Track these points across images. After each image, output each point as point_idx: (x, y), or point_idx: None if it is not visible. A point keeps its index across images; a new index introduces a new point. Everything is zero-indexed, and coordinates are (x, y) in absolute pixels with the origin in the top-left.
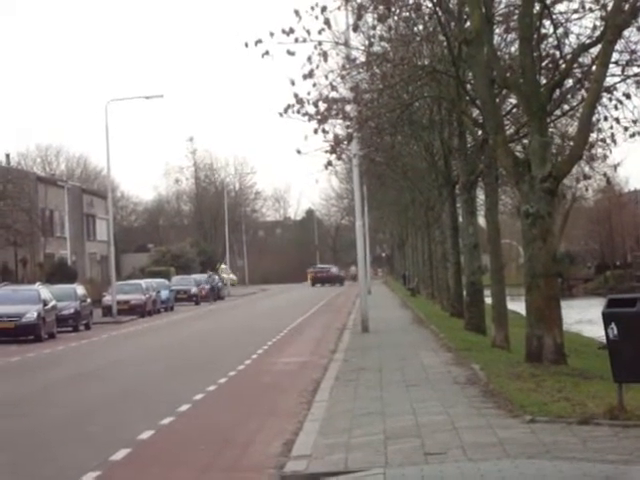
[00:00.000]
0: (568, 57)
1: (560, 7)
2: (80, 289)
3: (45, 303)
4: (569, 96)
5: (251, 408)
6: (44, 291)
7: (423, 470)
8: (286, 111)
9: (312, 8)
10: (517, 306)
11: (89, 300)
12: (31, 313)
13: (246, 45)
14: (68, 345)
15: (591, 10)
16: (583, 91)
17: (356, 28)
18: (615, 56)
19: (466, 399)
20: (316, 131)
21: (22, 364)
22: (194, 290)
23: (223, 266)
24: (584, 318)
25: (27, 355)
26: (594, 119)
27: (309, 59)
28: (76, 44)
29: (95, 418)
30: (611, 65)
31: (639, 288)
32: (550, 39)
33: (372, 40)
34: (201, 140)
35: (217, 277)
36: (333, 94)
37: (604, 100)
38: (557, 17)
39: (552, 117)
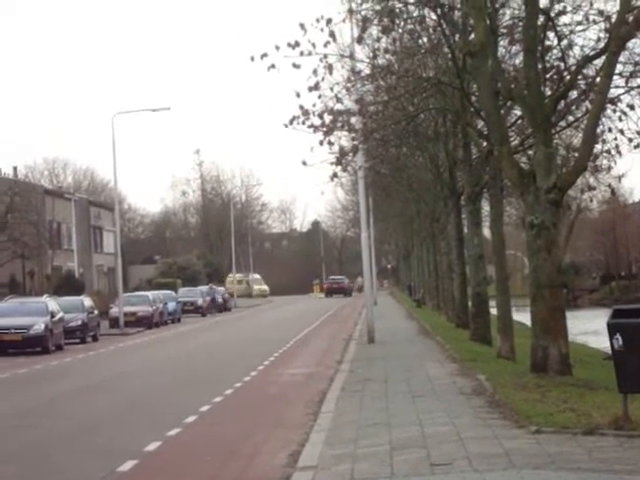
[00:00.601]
0: (572, 69)
1: (564, 19)
2: (87, 301)
3: (52, 315)
4: (573, 107)
5: (257, 419)
6: (51, 303)
7: None
8: (291, 122)
9: (317, 21)
10: (522, 317)
11: (96, 312)
12: (39, 325)
13: (252, 59)
14: (75, 357)
15: (595, 22)
16: (587, 102)
17: (361, 40)
18: (619, 67)
19: (472, 410)
20: (321, 143)
21: (30, 376)
22: (200, 302)
23: (256, 276)
24: (589, 329)
25: (35, 367)
26: (598, 130)
27: (314, 72)
28: (83, 57)
29: (102, 429)
30: (615, 76)
31: None
32: (554, 51)
33: (377, 52)
34: (207, 152)
35: (222, 289)
36: (338, 106)
37: (608, 111)
38: (561, 29)
39: (557, 128)
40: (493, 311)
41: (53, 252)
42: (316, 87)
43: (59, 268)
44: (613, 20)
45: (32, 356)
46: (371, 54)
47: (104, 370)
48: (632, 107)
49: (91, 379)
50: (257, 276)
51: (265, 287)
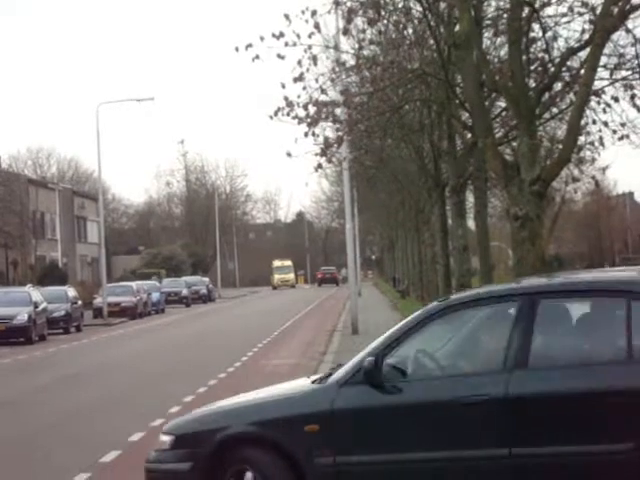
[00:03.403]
0: (557, 61)
1: (549, 11)
2: (71, 291)
3: (36, 305)
4: (558, 99)
5: None
6: (35, 293)
7: None
8: (276, 114)
9: (302, 12)
10: None
11: (80, 302)
12: (22, 315)
13: (236, 49)
14: (59, 347)
15: (580, 14)
16: (572, 94)
17: (346, 32)
18: (604, 60)
19: None
20: (306, 134)
21: (13, 366)
22: (185, 292)
23: (286, 262)
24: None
25: (18, 357)
26: (583, 122)
27: (299, 63)
28: (67, 47)
29: (86, 420)
30: (600, 69)
31: None
32: (539, 43)
33: (362, 44)
34: (192, 143)
35: (207, 279)
36: (323, 97)
37: (593, 104)
38: (546, 21)
39: (541, 120)
40: None
41: (37, 242)
42: (301, 78)
43: (43, 258)
44: (598, 12)
45: (15, 346)
46: (356, 45)
47: (88, 360)
48: (616, 99)
49: (75, 369)
50: (287, 262)
51: (289, 276)
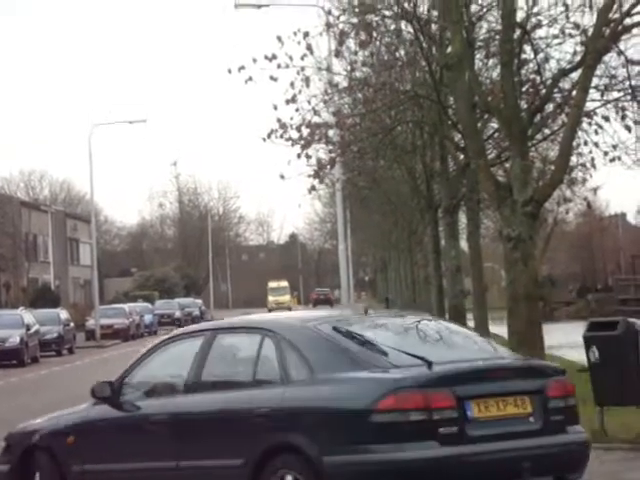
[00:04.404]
0: (548, 82)
1: (540, 32)
2: (63, 313)
3: (28, 328)
4: (550, 121)
5: None
6: (27, 315)
7: None
8: (269, 136)
9: (294, 34)
10: (499, 329)
11: (72, 324)
12: (14, 338)
13: (229, 71)
14: (51, 369)
15: (571, 36)
16: (563, 116)
17: (338, 54)
18: (595, 81)
19: None
20: (299, 156)
21: (5, 389)
22: (178, 314)
23: (282, 284)
24: (566, 341)
25: (10, 380)
26: (574, 143)
27: (292, 84)
28: (59, 70)
29: None
30: (591, 90)
31: (622, 312)
32: (531, 64)
33: (354, 65)
34: (185, 164)
35: (200, 301)
36: (316, 119)
37: (584, 125)
38: (537, 43)
39: (533, 141)
40: (470, 324)
41: (29, 264)
42: (293, 100)
43: (35, 280)
44: (589, 34)
45: (7, 369)
46: (348, 67)
47: (80, 383)
48: (607, 118)
49: (67, 392)
50: (283, 283)
51: (284, 298)
